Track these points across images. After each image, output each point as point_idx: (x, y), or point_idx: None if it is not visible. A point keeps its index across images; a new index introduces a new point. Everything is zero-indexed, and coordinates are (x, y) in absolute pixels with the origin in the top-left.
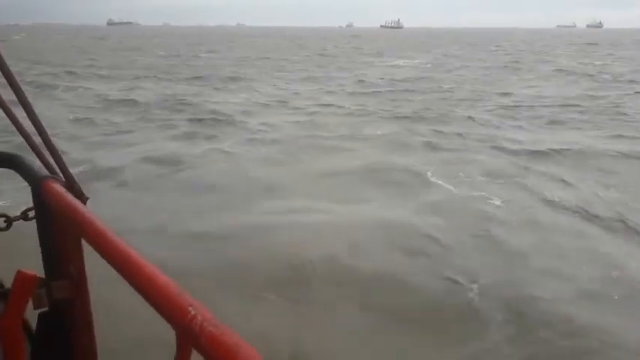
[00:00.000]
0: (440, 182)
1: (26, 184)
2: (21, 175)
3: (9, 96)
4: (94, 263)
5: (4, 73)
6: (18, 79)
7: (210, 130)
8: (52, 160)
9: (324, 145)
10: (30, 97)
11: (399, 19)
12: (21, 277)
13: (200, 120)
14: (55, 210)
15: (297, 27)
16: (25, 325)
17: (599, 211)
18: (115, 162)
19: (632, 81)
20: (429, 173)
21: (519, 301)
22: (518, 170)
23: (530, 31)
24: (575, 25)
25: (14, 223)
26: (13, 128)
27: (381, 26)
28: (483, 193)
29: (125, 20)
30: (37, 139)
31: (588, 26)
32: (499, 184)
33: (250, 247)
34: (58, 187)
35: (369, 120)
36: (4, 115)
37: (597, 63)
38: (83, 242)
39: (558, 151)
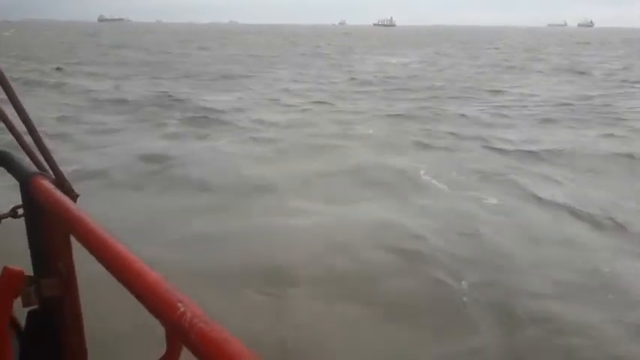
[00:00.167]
0: (434, 182)
1: (16, 181)
2: (10, 172)
3: None
4: (82, 260)
5: None
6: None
7: (200, 128)
8: (41, 158)
9: (315, 144)
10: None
11: (391, 17)
12: (7, 274)
13: (190, 118)
14: (44, 207)
15: (289, 24)
16: (14, 324)
17: (589, 209)
18: (103, 161)
19: (623, 80)
20: (421, 172)
21: (506, 298)
22: (510, 169)
23: (522, 29)
24: (566, 24)
25: (3, 221)
26: (2, 125)
27: (374, 24)
28: (477, 193)
29: (117, 17)
30: (27, 137)
31: (580, 25)
32: (492, 183)
33: (238, 248)
34: (47, 184)
35: (361, 118)
36: None
37: (589, 61)
38: (73, 239)
39: (550, 150)
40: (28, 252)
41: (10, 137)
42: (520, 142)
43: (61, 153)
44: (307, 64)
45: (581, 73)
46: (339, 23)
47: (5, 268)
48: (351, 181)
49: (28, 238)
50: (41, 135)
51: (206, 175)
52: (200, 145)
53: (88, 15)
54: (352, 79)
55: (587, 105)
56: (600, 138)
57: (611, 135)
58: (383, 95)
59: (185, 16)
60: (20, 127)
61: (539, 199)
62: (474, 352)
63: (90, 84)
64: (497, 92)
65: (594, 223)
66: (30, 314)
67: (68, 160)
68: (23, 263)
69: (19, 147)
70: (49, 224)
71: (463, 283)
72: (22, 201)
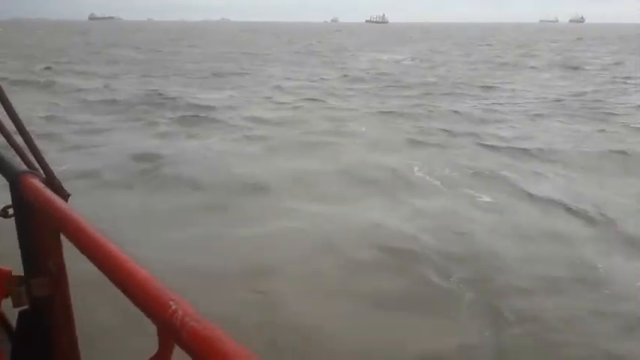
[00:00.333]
0: (427, 179)
1: (6, 181)
2: None
3: None
4: (73, 259)
5: None
6: None
7: (192, 127)
8: (31, 157)
9: (308, 142)
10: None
11: (383, 14)
12: None
13: (182, 116)
14: (34, 205)
15: (281, 22)
16: (6, 324)
17: (580, 205)
18: (93, 161)
19: (615, 76)
20: (415, 168)
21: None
22: (502, 166)
23: (514, 25)
24: (557, 20)
25: None
26: None
27: (366, 21)
28: (469, 190)
29: (107, 15)
30: (17, 136)
31: (571, 21)
32: (484, 179)
33: (229, 246)
34: (37, 183)
35: (354, 115)
36: None
37: (581, 57)
38: (63, 238)
39: (542, 147)
40: (18, 252)
41: None
42: (512, 139)
43: (49, 153)
44: (299, 62)
45: (574, 68)
46: (332, 20)
47: None
48: (344, 178)
49: (18, 237)
50: (31, 134)
51: (197, 174)
52: (191, 144)
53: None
54: (344, 76)
55: (580, 101)
56: (592, 134)
57: (603, 130)
58: (375, 92)
59: (176, 14)
60: (10, 127)
61: (530, 196)
62: (460, 340)
63: (80, 83)
64: (490, 88)
65: (586, 219)
66: (21, 314)
67: (57, 160)
68: (13, 263)
69: (9, 146)
70: (38, 223)
71: (452, 279)
72: (12, 200)
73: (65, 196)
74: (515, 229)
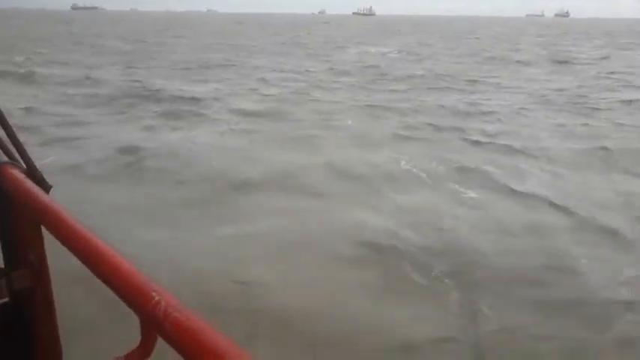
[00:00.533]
0: (413, 172)
1: None
2: None
3: None
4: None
5: None
6: None
7: (176, 120)
8: (12, 148)
9: (293, 135)
10: None
11: (371, 7)
12: None
13: (166, 108)
14: (14, 196)
15: (269, 13)
16: None
17: (562, 201)
18: (74, 154)
19: (600, 71)
20: (402, 162)
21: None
22: (486, 161)
23: (501, 19)
24: (543, 14)
25: None
26: None
27: (354, 13)
28: (454, 185)
29: (90, 5)
30: None
31: (556, 15)
32: (469, 174)
33: (209, 242)
34: (18, 174)
35: (340, 108)
36: None
37: (566, 51)
38: (44, 230)
39: (527, 141)
40: None
41: None
42: (497, 134)
43: (28, 146)
44: (286, 54)
45: (560, 62)
46: (319, 12)
47: None
48: (329, 173)
49: None
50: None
51: (181, 167)
52: (175, 137)
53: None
54: (331, 68)
55: (564, 95)
56: (576, 128)
57: (587, 124)
58: (362, 85)
59: (161, 5)
60: None
61: (513, 191)
62: (436, 329)
63: (62, 73)
64: (476, 82)
65: (567, 214)
66: (1, 307)
67: (37, 153)
68: None
69: None
70: (19, 214)
71: (433, 272)
72: None
73: (47, 189)
74: (496, 223)
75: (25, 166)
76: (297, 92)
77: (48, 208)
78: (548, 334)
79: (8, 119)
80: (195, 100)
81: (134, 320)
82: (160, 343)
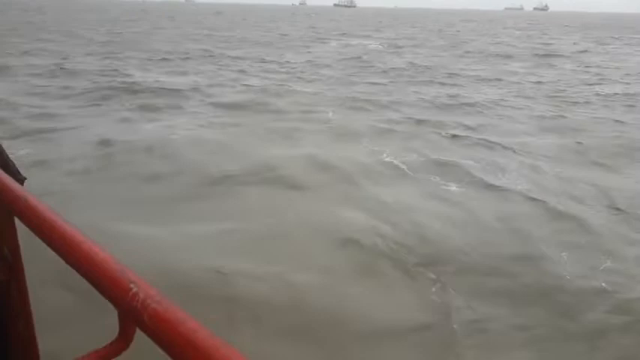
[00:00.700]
0: (394, 164)
1: None
2: None
3: None
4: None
5: None
6: None
7: (154, 111)
8: None
9: (273, 127)
10: None
11: None
12: None
13: (143, 100)
14: None
15: (248, 4)
16: None
17: (540, 194)
18: (47, 148)
19: (579, 64)
20: (384, 155)
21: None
22: (467, 155)
23: (480, 12)
24: (522, 8)
25: None
26: None
27: (335, 5)
28: (434, 178)
29: None
30: None
31: (535, 9)
32: (446, 168)
33: (184, 239)
34: None
35: (321, 100)
36: None
37: (544, 44)
38: (18, 222)
39: (505, 136)
40: None
41: None
42: (477, 127)
43: None
44: (267, 45)
45: (539, 56)
46: (300, 3)
47: None
48: (309, 165)
49: None
50: None
51: (158, 161)
52: (153, 130)
53: None
54: (312, 60)
55: (542, 89)
56: (554, 121)
57: (564, 117)
58: (343, 77)
59: None
60: None
61: (492, 184)
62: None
63: (34, 63)
64: (457, 75)
65: (545, 208)
66: None
67: (7, 146)
68: None
69: None
70: None
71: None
72: None
73: (20, 181)
74: (473, 215)
75: None
76: (278, 84)
77: (21, 199)
78: (521, 323)
79: None
80: (173, 91)
81: (113, 312)
82: (140, 334)
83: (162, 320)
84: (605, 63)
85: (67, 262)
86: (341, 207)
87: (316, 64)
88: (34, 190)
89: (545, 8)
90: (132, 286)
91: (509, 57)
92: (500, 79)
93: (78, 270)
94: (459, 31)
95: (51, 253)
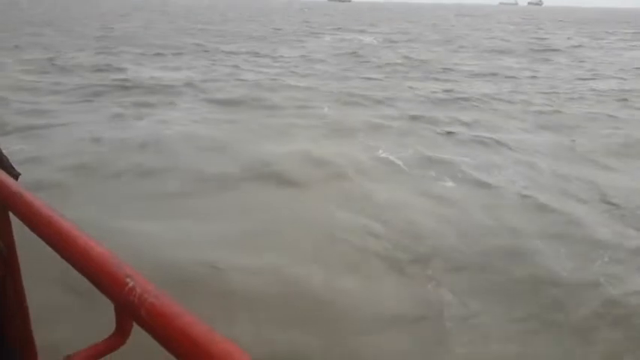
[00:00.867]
0: (390, 160)
1: None
2: None
3: None
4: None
5: None
6: None
7: (147, 107)
8: None
9: (267, 124)
10: None
11: None
12: None
13: (136, 96)
14: None
15: None
16: None
17: (532, 191)
18: (40, 145)
19: (573, 60)
20: (380, 150)
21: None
22: (462, 152)
23: (474, 7)
24: (517, 3)
25: None
26: None
27: None
28: (430, 173)
29: None
30: None
31: (529, 3)
32: (440, 165)
33: (176, 238)
34: None
35: (315, 95)
36: None
37: (539, 39)
38: (13, 217)
39: (500, 132)
40: None
41: None
42: (472, 123)
43: None
44: (260, 39)
45: (533, 51)
46: None
47: None
48: (305, 162)
49: None
50: None
51: (151, 158)
52: (146, 126)
53: None
54: (306, 55)
55: (537, 84)
56: (548, 117)
57: (560, 112)
58: (338, 72)
59: None
60: None
61: (483, 183)
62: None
63: (23, 59)
64: (452, 70)
65: (539, 205)
66: None
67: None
68: None
69: None
70: None
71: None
72: None
73: (15, 176)
74: (468, 213)
75: None
76: (272, 79)
77: (15, 193)
78: (513, 317)
79: None
80: (167, 86)
81: (110, 306)
82: (137, 328)
83: (159, 314)
84: (600, 58)
85: (63, 257)
86: (336, 203)
87: (310, 59)
88: (28, 186)
89: (539, 3)
90: (128, 280)
91: (503, 52)
92: (495, 74)
93: (74, 265)
94: (453, 26)
95: (47, 249)
